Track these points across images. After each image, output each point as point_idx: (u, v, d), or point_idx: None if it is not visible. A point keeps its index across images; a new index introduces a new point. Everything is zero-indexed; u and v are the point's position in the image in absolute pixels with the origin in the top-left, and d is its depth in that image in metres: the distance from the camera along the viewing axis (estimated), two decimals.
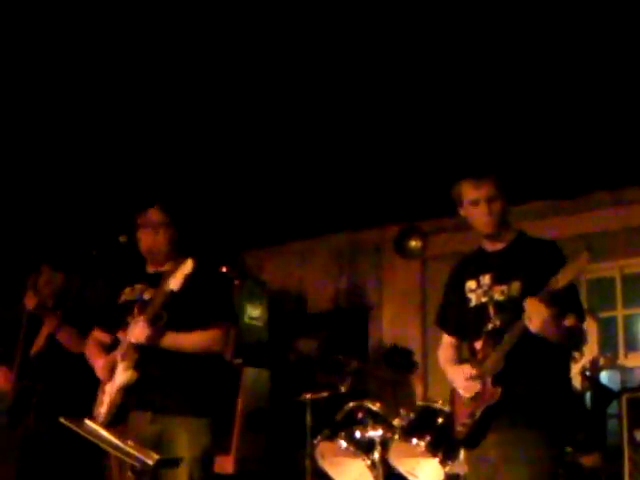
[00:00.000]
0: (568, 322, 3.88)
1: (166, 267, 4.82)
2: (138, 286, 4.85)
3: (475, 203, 4.16)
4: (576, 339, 4.07)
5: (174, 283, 4.64)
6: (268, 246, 8.69)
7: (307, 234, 8.41)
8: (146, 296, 4.75)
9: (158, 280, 4.73)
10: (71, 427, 4.21)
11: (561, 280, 3.72)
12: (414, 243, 7.69)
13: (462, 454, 5.15)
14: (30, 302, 5.84)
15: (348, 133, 6.15)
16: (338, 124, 6.01)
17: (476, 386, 4.00)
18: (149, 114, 5.91)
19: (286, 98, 5.66)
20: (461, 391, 4.08)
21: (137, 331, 4.63)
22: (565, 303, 3.84)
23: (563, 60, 5.12)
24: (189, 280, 4.71)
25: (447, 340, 4.41)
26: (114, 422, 4.63)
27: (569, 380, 4.27)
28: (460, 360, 4.28)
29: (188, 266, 4.66)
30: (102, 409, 4.63)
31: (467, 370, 4.06)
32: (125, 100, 5.73)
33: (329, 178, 6.94)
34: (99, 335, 4.94)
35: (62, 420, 4.23)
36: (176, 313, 4.67)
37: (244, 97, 5.64)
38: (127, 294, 4.87)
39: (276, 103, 5.73)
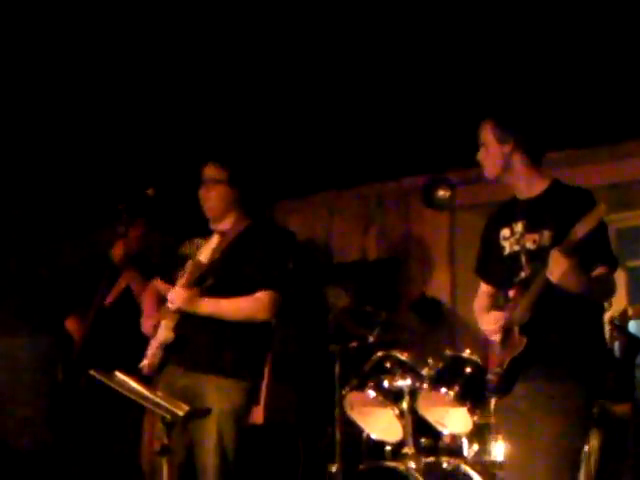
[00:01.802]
0: (597, 272, 3.86)
1: (223, 225, 4.84)
2: (196, 240, 4.88)
3: None
4: (604, 289, 4.03)
5: (204, 255, 4.68)
6: (295, 198, 8.68)
7: (334, 185, 8.38)
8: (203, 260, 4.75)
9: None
10: (101, 379, 4.25)
11: (579, 231, 3.68)
12: (442, 193, 7.65)
13: (492, 403, 5.19)
14: (118, 252, 5.84)
15: (374, 83, 6.10)
16: (364, 74, 5.96)
17: (501, 328, 4.00)
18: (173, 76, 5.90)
19: (308, 51, 5.63)
20: (489, 335, 4.10)
21: (174, 295, 4.66)
22: (594, 253, 3.82)
23: (594, 8, 5.04)
24: (236, 243, 4.74)
25: (484, 289, 4.42)
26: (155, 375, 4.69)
27: (601, 330, 4.25)
28: (494, 307, 4.28)
29: (214, 240, 4.71)
30: (145, 361, 4.67)
31: (495, 315, 4.07)
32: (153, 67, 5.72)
33: (356, 129, 6.91)
34: (159, 286, 4.94)
35: (92, 372, 4.27)
36: (224, 276, 4.68)
37: (266, 52, 5.61)
38: (185, 248, 4.89)
39: (297, 55, 5.70)
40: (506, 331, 4.00)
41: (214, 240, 4.76)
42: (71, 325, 5.96)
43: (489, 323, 4.09)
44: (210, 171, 4.86)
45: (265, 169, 6.64)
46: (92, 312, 5.76)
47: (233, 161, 4.91)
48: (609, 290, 4.07)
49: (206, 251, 4.73)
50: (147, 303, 4.99)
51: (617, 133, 6.74)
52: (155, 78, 6.01)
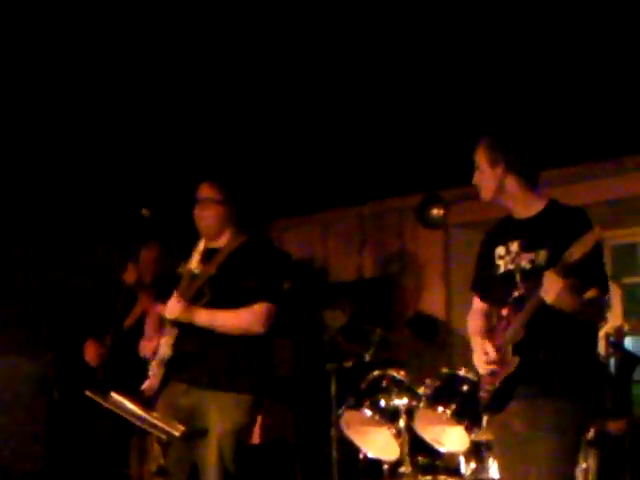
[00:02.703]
0: (589, 294, 3.87)
1: (218, 243, 4.86)
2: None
3: None
4: (596, 312, 4.03)
5: (193, 263, 4.71)
6: (290, 217, 8.70)
7: (329, 204, 8.41)
8: (196, 271, 4.77)
9: (209, 256, 4.78)
10: (96, 400, 4.25)
11: (575, 253, 3.70)
12: (436, 212, 7.68)
13: (485, 421, 5.19)
14: (130, 276, 5.83)
15: (368, 102, 6.12)
16: (359, 94, 5.98)
17: (491, 368, 4.00)
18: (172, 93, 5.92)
19: (304, 72, 5.64)
20: (477, 367, 4.10)
21: (169, 307, 4.67)
22: (587, 275, 3.81)
23: (594, 24, 5.06)
24: (232, 258, 4.75)
25: (478, 306, 4.41)
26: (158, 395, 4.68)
27: (594, 349, 4.24)
28: (488, 330, 4.27)
29: (200, 245, 4.74)
30: (147, 383, 4.67)
31: (489, 351, 4.04)
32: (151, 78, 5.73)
33: (350, 148, 6.92)
34: (160, 309, 4.89)
35: (88, 393, 4.26)
36: (219, 291, 4.69)
37: (264, 69, 5.62)
38: (181, 267, 4.90)
39: (294, 77, 5.71)
40: (498, 349, 4.00)
41: (200, 246, 4.79)
42: (89, 349, 5.94)
43: (479, 356, 4.08)
44: (204, 191, 4.88)
45: (260, 187, 6.68)
46: (110, 336, 5.75)
47: (227, 180, 4.93)
48: (600, 313, 4.08)
49: (195, 257, 4.77)
50: (149, 326, 5.00)
51: (612, 150, 6.76)
52: (152, 98, 6.02)
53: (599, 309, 4.04)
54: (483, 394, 4.09)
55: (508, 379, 3.95)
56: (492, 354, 4.01)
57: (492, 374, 4.02)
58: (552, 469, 3.88)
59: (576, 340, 3.98)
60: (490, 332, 4.19)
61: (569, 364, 3.95)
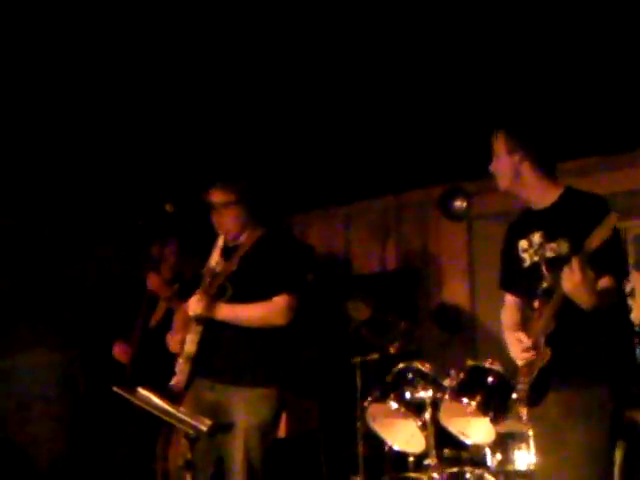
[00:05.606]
0: (601, 283, 3.82)
1: (240, 240, 4.87)
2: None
3: None
4: (609, 302, 3.92)
5: (213, 260, 4.73)
6: (313, 210, 8.71)
7: (352, 197, 8.41)
8: (217, 268, 4.80)
9: (230, 252, 4.80)
10: (124, 395, 4.27)
11: (595, 240, 3.68)
12: (459, 204, 7.67)
13: (524, 413, 5.15)
14: (152, 283, 5.88)
15: (391, 95, 6.11)
16: (380, 87, 5.97)
17: (530, 355, 3.99)
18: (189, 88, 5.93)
19: (327, 63, 5.64)
20: (515, 359, 4.09)
21: (192, 304, 4.69)
22: (603, 262, 3.78)
23: (609, 17, 5.04)
24: (252, 252, 4.77)
25: (511, 302, 4.39)
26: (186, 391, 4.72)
27: (628, 334, 4.21)
28: (523, 323, 4.25)
29: (220, 241, 4.76)
30: (175, 379, 4.70)
31: (523, 339, 4.03)
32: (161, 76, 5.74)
33: (373, 141, 6.92)
34: (184, 308, 4.92)
35: (115, 389, 4.29)
36: (242, 285, 4.71)
37: (284, 64, 5.62)
38: (204, 266, 4.92)
39: (315, 68, 5.71)
40: (534, 342, 3.99)
41: (219, 242, 4.81)
42: (118, 348, 6.00)
43: (517, 348, 4.05)
44: (217, 196, 4.85)
45: (282, 181, 6.68)
46: (137, 334, 5.80)
47: (236, 180, 4.91)
48: (611, 302, 4.02)
49: (215, 255, 4.80)
50: (176, 322, 5.03)
51: (633, 140, 6.73)
52: (168, 94, 6.02)
53: (612, 299, 3.95)
54: (520, 386, 4.07)
55: (542, 371, 3.94)
56: (526, 341, 4.00)
57: (529, 365, 4.01)
58: (588, 459, 3.86)
59: (608, 328, 3.95)
60: (525, 325, 4.18)
61: (602, 353, 3.92)
